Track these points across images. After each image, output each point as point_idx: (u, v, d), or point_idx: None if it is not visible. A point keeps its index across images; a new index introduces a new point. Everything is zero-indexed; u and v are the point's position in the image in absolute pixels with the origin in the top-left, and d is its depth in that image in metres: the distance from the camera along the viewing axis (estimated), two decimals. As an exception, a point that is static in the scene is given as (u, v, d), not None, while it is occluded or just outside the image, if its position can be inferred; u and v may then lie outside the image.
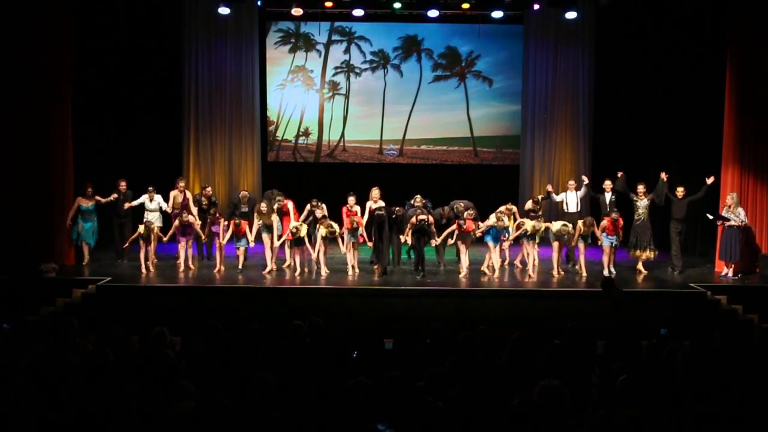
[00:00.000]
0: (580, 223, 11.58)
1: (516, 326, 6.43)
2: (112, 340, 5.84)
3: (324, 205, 11.77)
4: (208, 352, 5.76)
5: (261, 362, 5.46)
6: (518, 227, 11.88)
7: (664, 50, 14.22)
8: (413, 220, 11.36)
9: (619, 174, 12.24)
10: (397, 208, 11.76)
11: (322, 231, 11.38)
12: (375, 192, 12.00)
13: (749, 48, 12.04)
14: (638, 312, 10.22)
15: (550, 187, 13.20)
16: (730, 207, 11.63)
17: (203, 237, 12.04)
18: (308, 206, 12.00)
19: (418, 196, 12.05)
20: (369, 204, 11.96)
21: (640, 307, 10.44)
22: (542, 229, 11.69)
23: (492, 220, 11.59)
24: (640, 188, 11.89)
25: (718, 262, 12.20)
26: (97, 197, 12.23)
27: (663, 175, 12.00)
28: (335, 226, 11.47)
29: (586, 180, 12.61)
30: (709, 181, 11.88)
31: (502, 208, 11.97)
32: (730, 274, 11.65)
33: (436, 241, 11.67)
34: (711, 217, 11.96)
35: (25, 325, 7.46)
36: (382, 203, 11.83)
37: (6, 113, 11.52)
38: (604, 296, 8.98)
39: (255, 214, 12.00)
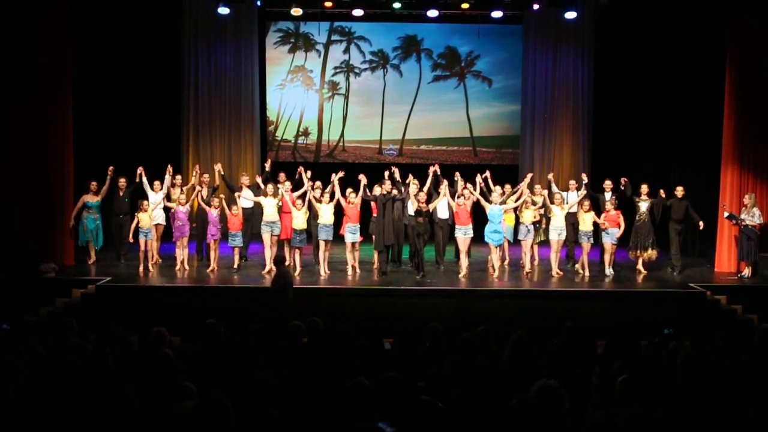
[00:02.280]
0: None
1: (516, 326, 6.43)
2: (112, 340, 5.84)
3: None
4: (208, 352, 5.76)
5: (261, 362, 5.45)
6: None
7: (664, 50, 14.22)
8: (413, 193, 11.41)
9: (623, 180, 12.19)
10: (395, 192, 11.79)
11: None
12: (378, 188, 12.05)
13: (749, 48, 12.04)
14: (638, 312, 10.25)
15: (551, 176, 13.02)
16: (746, 207, 11.65)
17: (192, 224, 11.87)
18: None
19: (416, 180, 12.07)
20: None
21: (640, 307, 10.46)
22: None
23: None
24: (644, 188, 11.87)
25: (732, 263, 12.20)
26: (102, 190, 12.18)
27: (662, 192, 11.98)
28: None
29: (585, 179, 12.54)
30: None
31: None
32: (748, 273, 11.67)
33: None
34: (727, 214, 11.97)
35: (25, 325, 7.45)
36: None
37: (6, 113, 11.52)
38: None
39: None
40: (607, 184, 12.31)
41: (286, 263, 9.58)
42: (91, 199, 12.10)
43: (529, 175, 12.46)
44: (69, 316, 7.27)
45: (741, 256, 11.81)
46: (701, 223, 11.92)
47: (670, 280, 11.65)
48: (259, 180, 12.41)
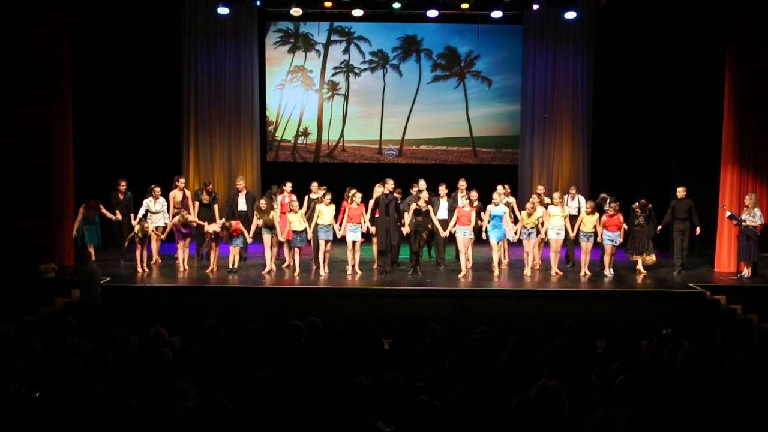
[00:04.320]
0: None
1: (516, 326, 6.43)
2: (112, 340, 5.83)
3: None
4: (207, 352, 5.76)
5: (261, 362, 5.45)
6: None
7: (664, 50, 14.22)
8: (413, 206, 11.38)
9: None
10: (397, 194, 11.75)
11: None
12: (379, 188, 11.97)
13: (749, 48, 12.04)
14: (638, 312, 10.25)
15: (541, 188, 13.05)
16: (747, 207, 11.65)
17: (194, 222, 11.94)
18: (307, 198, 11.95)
19: (422, 181, 12.09)
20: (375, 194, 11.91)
21: (640, 307, 10.46)
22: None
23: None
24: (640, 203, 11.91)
25: (732, 263, 12.22)
26: (102, 210, 12.19)
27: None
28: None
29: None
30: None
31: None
32: (747, 273, 11.68)
33: (444, 233, 11.74)
34: (728, 214, 11.97)
35: (24, 325, 7.45)
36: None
37: (6, 113, 11.51)
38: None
39: (255, 212, 11.95)
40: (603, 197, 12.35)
41: (93, 259, 10.20)
42: (90, 214, 12.08)
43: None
44: (69, 316, 7.27)
45: (741, 256, 11.83)
46: (698, 229, 11.95)
47: (670, 280, 11.65)
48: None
